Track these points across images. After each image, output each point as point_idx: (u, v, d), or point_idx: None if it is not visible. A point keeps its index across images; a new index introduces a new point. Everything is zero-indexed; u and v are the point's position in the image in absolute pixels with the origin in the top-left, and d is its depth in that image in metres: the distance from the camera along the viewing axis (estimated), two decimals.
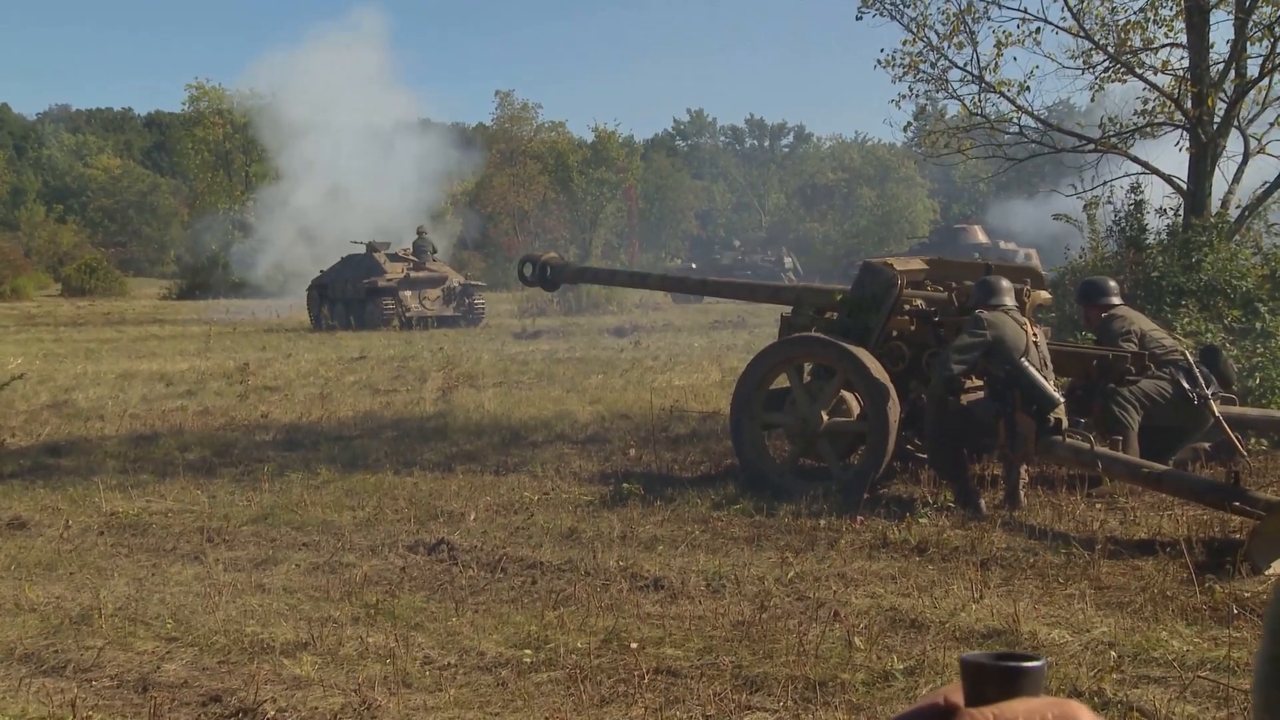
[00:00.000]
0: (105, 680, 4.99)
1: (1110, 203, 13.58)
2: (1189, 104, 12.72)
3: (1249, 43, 12.67)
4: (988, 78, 13.77)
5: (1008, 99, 13.90)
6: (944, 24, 13.60)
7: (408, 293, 30.50)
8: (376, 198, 47.18)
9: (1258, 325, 10.81)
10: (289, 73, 54.33)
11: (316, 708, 4.60)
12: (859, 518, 7.33)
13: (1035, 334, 7.96)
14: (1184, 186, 12.98)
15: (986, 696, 0.83)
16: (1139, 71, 13.35)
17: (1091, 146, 13.90)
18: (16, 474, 9.94)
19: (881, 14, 13.73)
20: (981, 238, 43.01)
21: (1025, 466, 7.87)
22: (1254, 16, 12.51)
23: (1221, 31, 12.72)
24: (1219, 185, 13.11)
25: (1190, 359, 8.52)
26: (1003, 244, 43.71)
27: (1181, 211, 12.98)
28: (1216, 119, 12.73)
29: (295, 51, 57.67)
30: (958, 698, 0.84)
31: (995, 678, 0.83)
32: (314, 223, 47.44)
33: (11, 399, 13.69)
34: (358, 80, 52.28)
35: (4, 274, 53.47)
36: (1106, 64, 13.47)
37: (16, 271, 55.14)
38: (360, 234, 34.79)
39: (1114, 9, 13.28)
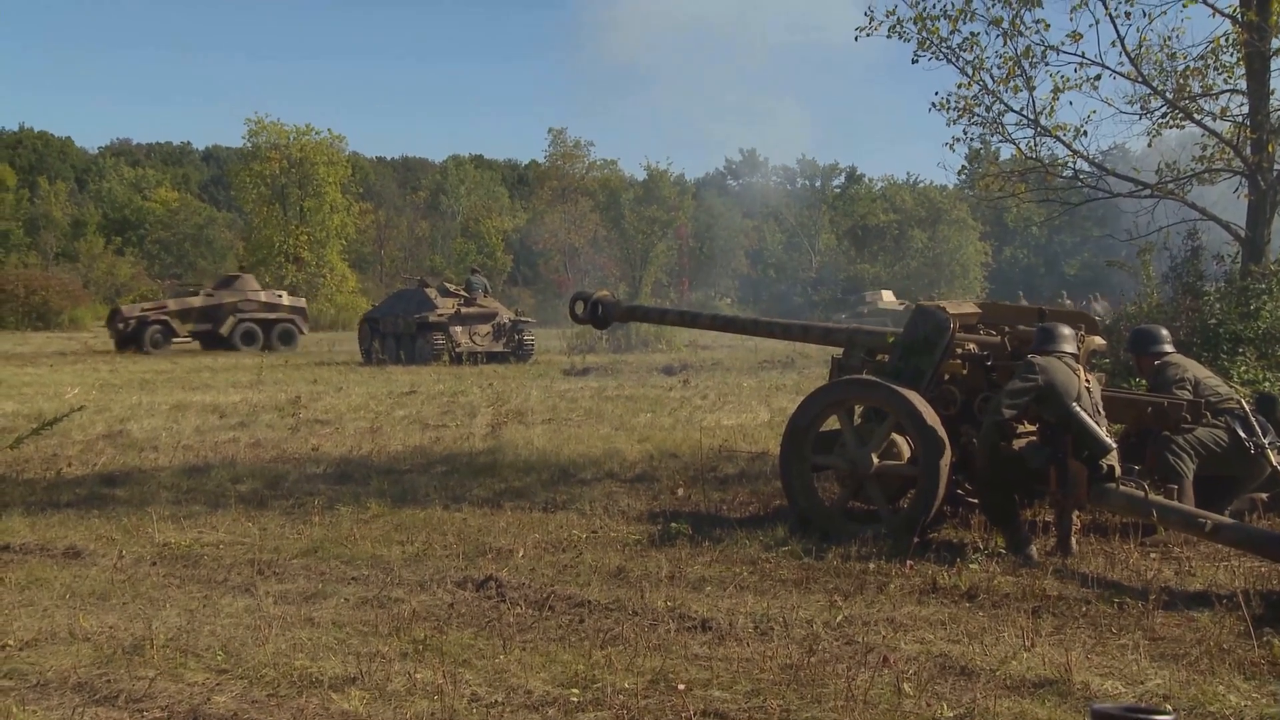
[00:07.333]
0: (156, 711, 5.02)
1: (1166, 248, 13.47)
2: (1248, 150, 12.62)
3: None
4: (1043, 122, 13.72)
5: (1063, 143, 13.85)
6: (1000, 68, 13.58)
7: (458, 328, 30.70)
8: None
9: None
10: None
11: None
12: (909, 562, 7.28)
13: (1088, 380, 7.89)
14: (1242, 233, 12.87)
15: None
16: (1197, 117, 13.27)
17: (1148, 192, 13.80)
18: (73, 503, 10.06)
19: (937, 57, 13.74)
20: None
21: (1077, 513, 7.79)
22: None
23: None
24: (1279, 233, 13.00)
25: (1247, 407, 8.42)
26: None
27: (1240, 259, 12.87)
28: (1277, 166, 12.63)
29: None
30: None
31: None
32: None
33: (68, 429, 13.88)
34: None
35: (63, 305, 54.32)
36: (1164, 109, 13.40)
37: (75, 302, 55.99)
38: None
39: (1173, 55, 13.22)
